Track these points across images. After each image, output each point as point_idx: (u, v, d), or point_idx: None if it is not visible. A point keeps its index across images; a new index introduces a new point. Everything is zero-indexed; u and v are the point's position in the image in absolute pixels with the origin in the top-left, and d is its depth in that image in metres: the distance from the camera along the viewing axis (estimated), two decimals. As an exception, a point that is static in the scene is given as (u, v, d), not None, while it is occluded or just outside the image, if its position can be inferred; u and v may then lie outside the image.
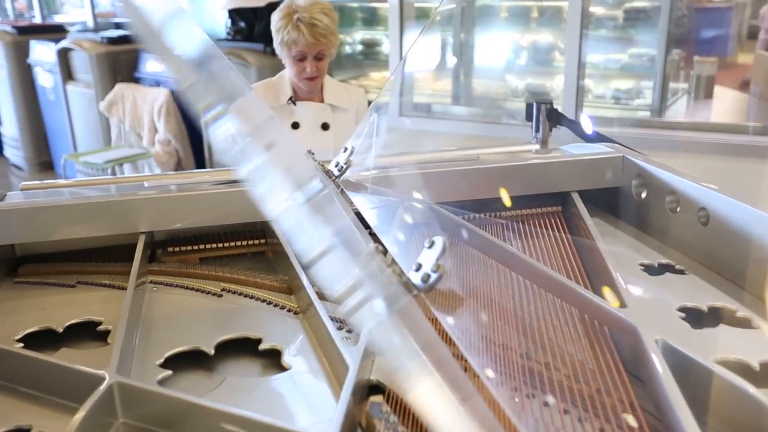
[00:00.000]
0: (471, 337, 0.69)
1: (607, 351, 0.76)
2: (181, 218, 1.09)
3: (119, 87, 3.83)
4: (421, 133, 3.43)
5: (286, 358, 0.81)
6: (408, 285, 0.69)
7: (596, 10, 3.43)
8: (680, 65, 3.45)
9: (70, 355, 0.83)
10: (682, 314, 0.90)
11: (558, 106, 1.79)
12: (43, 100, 4.73)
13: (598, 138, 1.62)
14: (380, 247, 0.69)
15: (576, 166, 1.30)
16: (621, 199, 1.31)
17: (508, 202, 1.27)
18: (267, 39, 3.49)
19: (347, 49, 4.20)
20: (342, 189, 1.08)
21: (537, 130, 1.78)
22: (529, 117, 1.79)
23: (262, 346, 0.84)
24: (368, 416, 0.69)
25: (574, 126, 1.75)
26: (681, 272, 1.04)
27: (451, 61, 3.89)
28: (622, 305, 0.84)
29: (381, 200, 1.07)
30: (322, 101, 1.94)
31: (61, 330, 0.89)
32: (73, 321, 0.89)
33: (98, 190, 1.24)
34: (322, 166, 1.11)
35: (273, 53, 3.39)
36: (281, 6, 1.85)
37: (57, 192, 1.23)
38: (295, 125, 1.92)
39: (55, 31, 4.74)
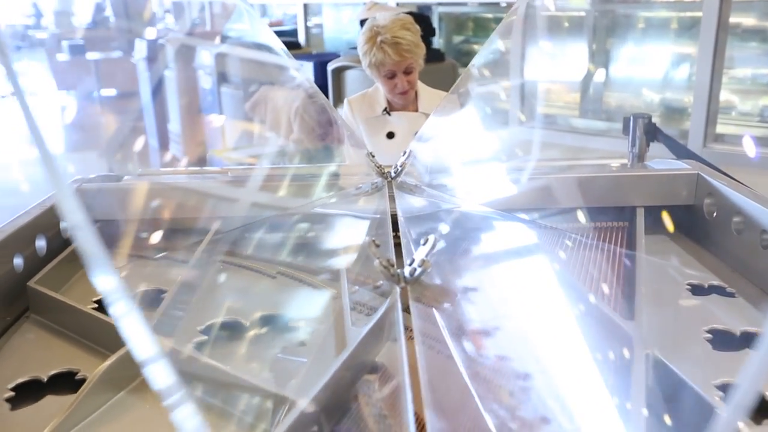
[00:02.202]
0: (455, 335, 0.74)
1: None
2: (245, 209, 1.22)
3: (264, 89, 4.14)
4: (541, 145, 3.39)
5: (303, 336, 0.90)
6: (397, 277, 0.75)
7: (745, 20, 3.21)
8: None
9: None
10: (709, 335, 0.88)
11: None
12: (203, 101, 5.21)
13: (689, 155, 1.56)
14: (376, 241, 0.76)
15: (645, 182, 1.28)
16: (694, 218, 1.27)
17: (577, 214, 1.28)
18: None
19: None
20: (394, 189, 1.16)
21: (633, 145, 1.75)
22: (626, 131, 1.76)
23: (290, 323, 0.93)
24: (357, 391, 0.76)
25: (670, 142, 1.70)
26: (730, 295, 1.01)
27: (582, 72, 3.81)
28: (629, 317, 0.85)
29: (429, 202, 1.13)
30: (416, 110, 2.02)
31: (132, 296, 1.04)
32: (142, 289, 1.05)
33: (199, 178, 1.41)
34: (380, 167, 1.19)
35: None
36: (364, 29, 1.95)
37: (161, 179, 1.42)
38: (390, 135, 2.01)
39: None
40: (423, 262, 0.73)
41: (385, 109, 2.05)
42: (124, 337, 0.44)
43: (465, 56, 4.22)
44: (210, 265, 1.13)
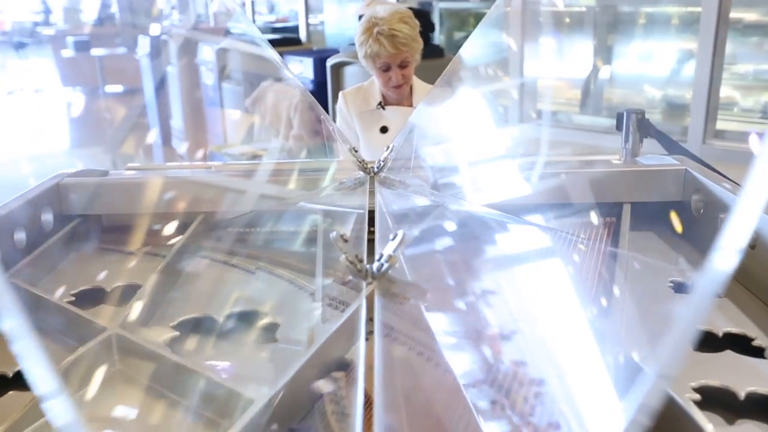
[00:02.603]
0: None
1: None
2: (228, 203, 1.21)
3: (263, 85, 4.14)
4: (539, 142, 3.36)
5: (274, 333, 0.89)
6: (363, 273, 0.74)
7: (746, 16, 3.18)
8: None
9: (106, 310, 0.97)
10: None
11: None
12: (204, 97, 5.21)
13: (681, 151, 1.55)
14: (344, 237, 0.75)
15: (632, 178, 1.26)
16: (682, 215, 1.25)
17: (563, 211, 1.27)
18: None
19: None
20: (376, 184, 1.14)
21: (626, 141, 1.73)
22: (619, 126, 1.74)
23: (262, 321, 0.92)
24: (321, 389, 0.75)
25: (662, 138, 1.68)
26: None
27: (585, 69, 3.78)
28: (598, 315, 0.83)
29: (409, 198, 1.12)
30: (411, 105, 2.00)
31: (109, 290, 1.03)
32: (119, 284, 1.04)
33: (187, 172, 1.40)
34: (363, 162, 1.18)
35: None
36: (362, 20, 1.93)
37: (149, 173, 1.41)
38: (384, 129, 2.00)
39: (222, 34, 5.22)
40: (390, 258, 0.72)
41: (380, 103, 2.03)
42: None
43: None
44: (189, 260, 1.12)
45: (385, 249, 0.75)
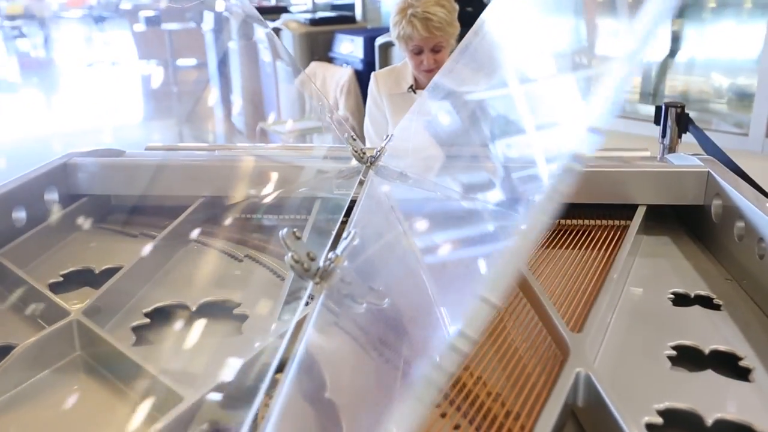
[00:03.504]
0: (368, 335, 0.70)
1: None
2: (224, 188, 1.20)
3: (313, 65, 4.13)
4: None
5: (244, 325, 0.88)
6: (311, 272, 0.71)
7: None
8: None
9: (87, 293, 0.98)
10: (673, 352, 0.80)
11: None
12: (262, 74, 5.26)
13: (715, 151, 1.44)
14: (296, 233, 0.72)
15: (650, 179, 1.18)
16: (701, 220, 1.17)
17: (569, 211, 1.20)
18: (468, 23, 3.49)
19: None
20: (370, 174, 1.11)
21: (663, 136, 1.63)
22: (657, 121, 1.64)
23: (235, 311, 0.91)
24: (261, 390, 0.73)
25: (700, 135, 1.57)
26: (716, 307, 0.92)
27: (657, 53, 3.59)
28: (579, 329, 0.78)
29: (400, 189, 1.08)
30: (444, 90, 1.95)
31: (98, 271, 1.04)
32: (108, 266, 1.05)
33: (202, 155, 1.41)
34: (359, 151, 1.15)
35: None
36: (398, 0, 1.88)
37: (166, 154, 1.42)
38: (414, 112, 1.95)
39: (279, 12, 5.23)
40: (335, 258, 0.69)
41: (411, 87, 1.98)
42: None
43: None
44: (180, 244, 1.12)
45: (338, 248, 0.73)
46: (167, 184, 1.25)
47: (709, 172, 1.15)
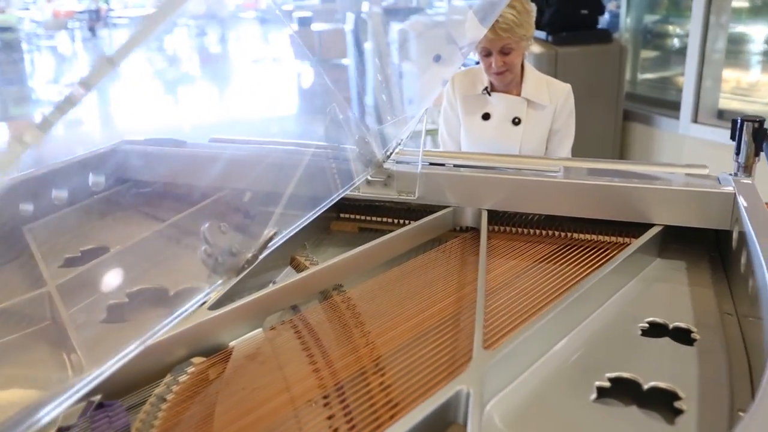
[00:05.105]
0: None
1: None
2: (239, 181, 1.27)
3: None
4: (711, 145, 2.96)
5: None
6: (220, 269, 0.75)
7: None
8: None
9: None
10: (607, 384, 0.74)
11: None
12: (391, 75, 5.37)
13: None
14: (222, 227, 0.75)
15: (669, 198, 1.09)
16: (723, 246, 1.06)
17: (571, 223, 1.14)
18: (552, 27, 3.33)
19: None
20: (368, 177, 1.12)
21: (738, 152, 1.48)
22: (733, 136, 1.49)
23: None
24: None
25: (774, 153, 1.41)
26: (689, 342, 0.83)
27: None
28: (489, 347, 0.75)
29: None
30: (519, 94, 1.89)
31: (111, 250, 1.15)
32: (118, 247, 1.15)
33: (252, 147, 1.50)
34: (365, 155, 1.16)
35: (555, 42, 3.24)
36: None
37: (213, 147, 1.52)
38: (486, 116, 1.90)
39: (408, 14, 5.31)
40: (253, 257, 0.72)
41: (486, 89, 1.94)
42: None
43: (656, 38, 3.78)
44: (185, 230, 1.20)
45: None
46: (201, 175, 1.33)
47: (735, 195, 1.04)
